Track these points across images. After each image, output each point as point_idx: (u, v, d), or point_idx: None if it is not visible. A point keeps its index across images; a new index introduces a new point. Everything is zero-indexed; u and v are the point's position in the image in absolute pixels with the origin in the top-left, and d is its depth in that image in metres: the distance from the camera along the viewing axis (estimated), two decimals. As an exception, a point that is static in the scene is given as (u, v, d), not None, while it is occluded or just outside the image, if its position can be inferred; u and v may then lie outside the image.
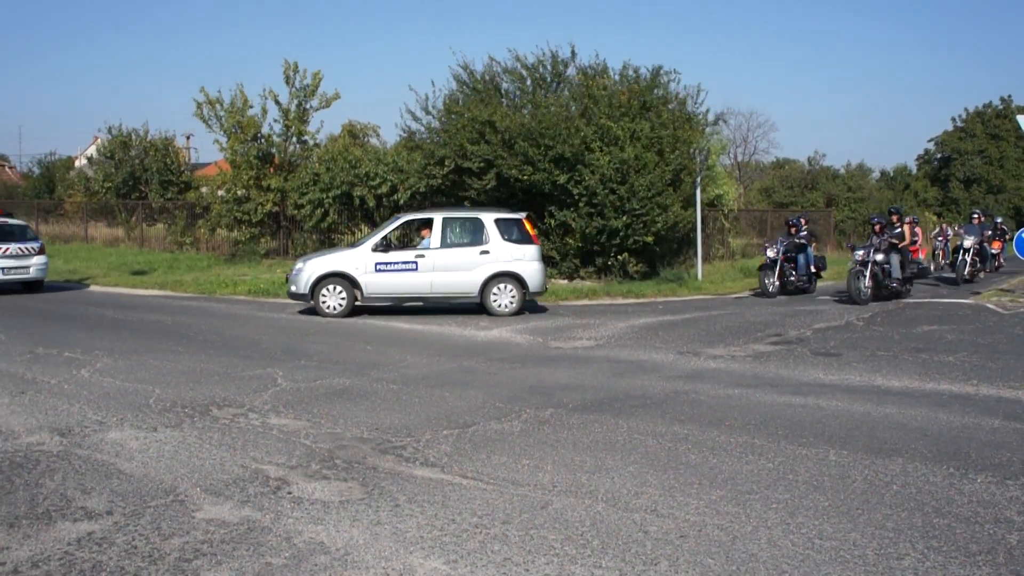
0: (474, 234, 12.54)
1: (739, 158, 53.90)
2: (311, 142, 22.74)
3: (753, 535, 3.72)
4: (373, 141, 26.49)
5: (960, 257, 18.15)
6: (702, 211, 19.13)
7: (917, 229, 20.51)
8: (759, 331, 10.68)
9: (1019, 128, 15.89)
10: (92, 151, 39.72)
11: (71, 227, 29.75)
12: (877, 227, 14.95)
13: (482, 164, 17.45)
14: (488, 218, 12.56)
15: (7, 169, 52.48)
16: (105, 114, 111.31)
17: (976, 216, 20.09)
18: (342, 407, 6.24)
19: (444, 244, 12.38)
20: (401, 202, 19.54)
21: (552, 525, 3.83)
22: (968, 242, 18.12)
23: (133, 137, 30.74)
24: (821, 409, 6.24)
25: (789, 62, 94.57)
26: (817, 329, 10.89)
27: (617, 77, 19.40)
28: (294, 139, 22.53)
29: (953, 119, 54.28)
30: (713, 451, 5.07)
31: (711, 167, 21.20)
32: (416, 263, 12.21)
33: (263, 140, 22.16)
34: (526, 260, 12.37)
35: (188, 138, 42.65)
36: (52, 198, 35.30)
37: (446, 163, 18.19)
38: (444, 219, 12.61)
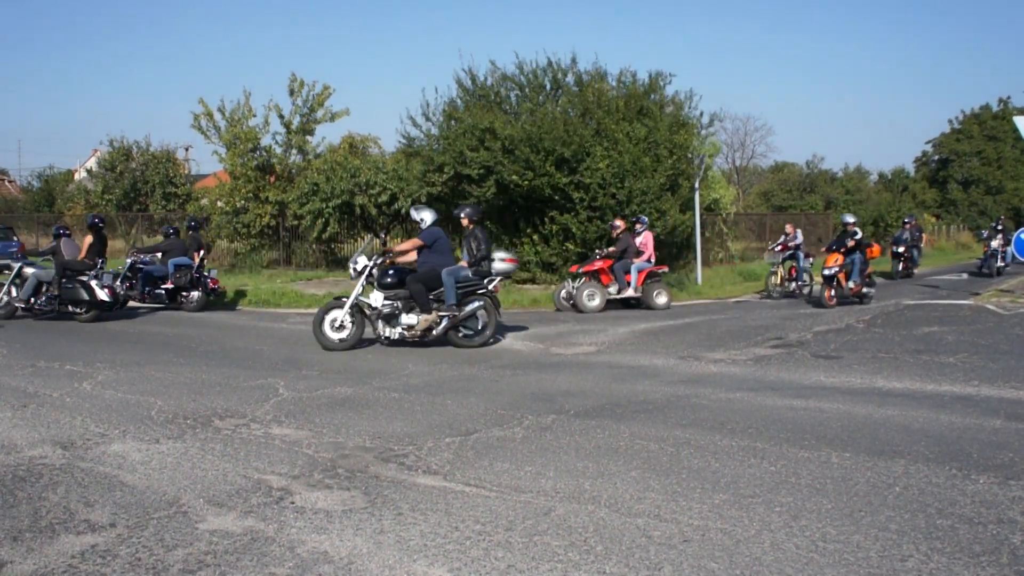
0: None
1: (737, 162, 54.03)
2: (312, 154, 22.81)
3: (756, 539, 3.72)
4: (373, 151, 26.56)
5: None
6: (700, 215, 19.16)
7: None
8: (759, 335, 10.68)
9: (1016, 129, 15.81)
10: (91, 164, 39.83)
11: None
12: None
13: (481, 171, 17.48)
14: None
15: (7, 183, 52.60)
16: (103, 128, 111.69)
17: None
18: (344, 416, 6.24)
19: None
20: (403, 211, 19.58)
21: (555, 531, 3.83)
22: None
23: (135, 149, 30.78)
24: (823, 412, 6.24)
25: (786, 66, 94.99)
26: (817, 332, 10.89)
27: (615, 83, 19.49)
28: (295, 150, 22.58)
29: (950, 121, 54.43)
30: (715, 455, 5.07)
31: (707, 169, 21.25)
32: None
33: (263, 151, 22.21)
34: None
35: (187, 150, 42.80)
36: (52, 211, 35.38)
37: (445, 170, 18.23)
38: None
